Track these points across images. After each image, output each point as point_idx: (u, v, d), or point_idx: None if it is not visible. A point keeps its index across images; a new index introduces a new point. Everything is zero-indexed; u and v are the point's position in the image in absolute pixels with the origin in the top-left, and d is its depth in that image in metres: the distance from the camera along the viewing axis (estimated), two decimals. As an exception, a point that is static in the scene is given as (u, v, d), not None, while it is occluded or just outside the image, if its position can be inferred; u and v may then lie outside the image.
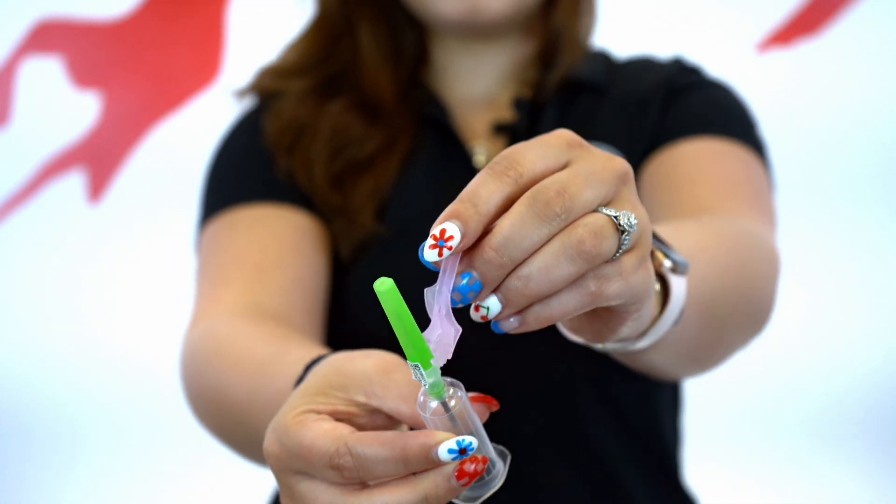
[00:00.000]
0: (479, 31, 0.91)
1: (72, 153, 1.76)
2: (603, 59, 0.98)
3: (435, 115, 0.92)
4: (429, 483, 0.46)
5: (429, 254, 0.44)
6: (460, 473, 0.46)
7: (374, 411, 0.50)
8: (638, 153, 0.90)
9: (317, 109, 0.91)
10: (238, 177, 0.91)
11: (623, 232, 0.46)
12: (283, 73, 0.94)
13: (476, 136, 0.93)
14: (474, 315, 0.47)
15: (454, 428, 0.47)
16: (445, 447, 0.45)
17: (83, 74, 1.75)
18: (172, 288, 1.66)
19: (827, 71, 1.64)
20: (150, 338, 1.69)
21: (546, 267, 0.45)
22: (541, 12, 0.93)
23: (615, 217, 0.46)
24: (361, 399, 0.49)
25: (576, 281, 0.46)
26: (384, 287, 0.44)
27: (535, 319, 0.47)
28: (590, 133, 0.91)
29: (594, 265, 0.45)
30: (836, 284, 1.62)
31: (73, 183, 1.76)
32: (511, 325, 0.47)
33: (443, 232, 0.44)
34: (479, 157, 0.92)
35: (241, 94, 0.96)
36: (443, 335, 0.46)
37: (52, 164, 1.76)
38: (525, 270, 0.45)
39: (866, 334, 1.62)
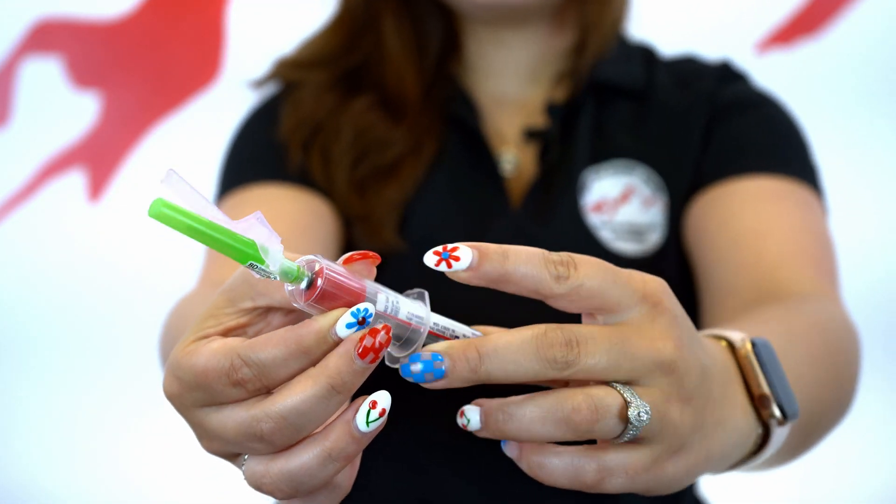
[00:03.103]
0: (512, 18, 0.88)
1: (72, 153, 1.76)
2: (642, 55, 0.94)
3: (463, 116, 0.89)
4: (330, 369, 0.40)
5: (429, 258, 0.43)
6: (363, 351, 0.40)
7: (267, 313, 0.46)
8: (680, 182, 0.86)
9: (338, 106, 0.89)
10: (253, 159, 0.89)
11: (629, 423, 0.42)
12: (302, 65, 0.92)
13: (504, 141, 0.90)
14: (458, 419, 0.44)
15: (342, 301, 0.42)
16: (343, 323, 0.40)
17: (83, 74, 1.75)
18: (172, 287, 1.66)
19: (827, 71, 1.64)
20: (150, 337, 1.69)
21: (530, 419, 0.42)
22: (573, 1, 0.90)
23: (628, 402, 0.42)
24: (248, 304, 0.45)
25: (574, 455, 0.43)
26: (155, 210, 0.38)
27: (528, 464, 0.45)
28: (626, 150, 0.88)
29: (583, 438, 0.42)
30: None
31: (73, 183, 1.76)
32: (511, 451, 0.45)
33: (453, 249, 0.42)
34: (506, 164, 0.89)
35: (258, 84, 0.94)
36: (251, 225, 0.41)
37: (52, 164, 1.76)
38: (511, 409, 0.42)
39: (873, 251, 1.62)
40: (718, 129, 0.87)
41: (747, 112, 0.87)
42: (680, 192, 0.86)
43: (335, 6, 0.94)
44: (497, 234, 0.85)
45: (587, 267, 0.42)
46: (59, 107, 1.76)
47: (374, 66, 0.91)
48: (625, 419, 0.42)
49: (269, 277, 0.41)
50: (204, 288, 0.76)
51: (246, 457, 0.44)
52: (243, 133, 0.93)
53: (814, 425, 0.61)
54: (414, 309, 0.44)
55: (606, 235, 0.85)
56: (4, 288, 1.79)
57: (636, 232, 0.86)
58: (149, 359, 1.68)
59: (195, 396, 0.43)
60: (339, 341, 0.41)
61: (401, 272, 0.84)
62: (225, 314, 0.45)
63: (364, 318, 0.41)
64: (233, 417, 0.42)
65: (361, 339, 0.41)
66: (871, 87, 1.64)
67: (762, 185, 0.82)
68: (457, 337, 0.46)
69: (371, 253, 0.44)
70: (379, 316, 0.43)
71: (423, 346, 0.44)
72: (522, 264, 0.42)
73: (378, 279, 0.91)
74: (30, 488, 1.74)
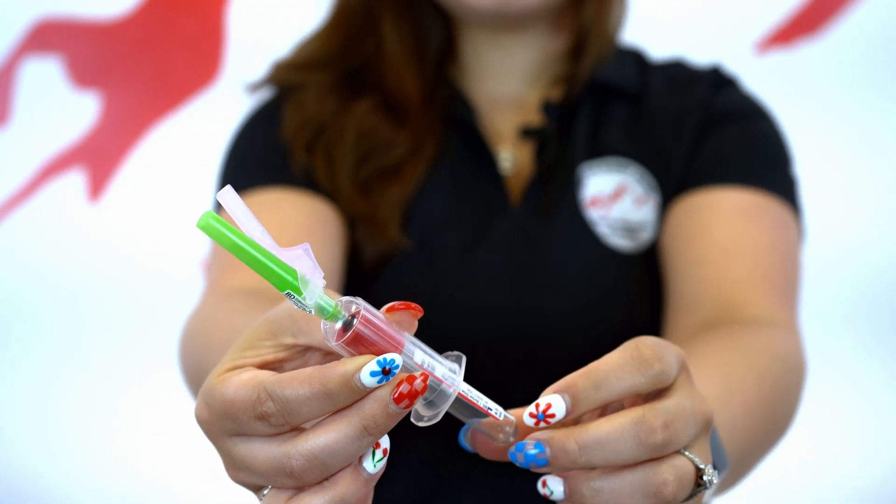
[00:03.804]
0: (510, 23, 0.88)
1: (72, 153, 1.76)
2: (635, 58, 0.94)
3: (461, 116, 0.90)
4: (365, 413, 0.41)
5: (528, 420, 0.44)
6: (399, 397, 0.41)
7: (307, 351, 0.47)
8: (669, 185, 0.87)
9: (341, 108, 0.89)
10: (256, 162, 0.89)
11: (700, 486, 0.45)
12: (300, 68, 0.92)
13: (502, 139, 0.91)
14: (539, 489, 0.46)
15: (375, 348, 0.42)
16: (367, 371, 0.40)
17: (83, 74, 1.75)
18: (172, 287, 1.66)
19: (827, 71, 1.64)
20: (151, 338, 1.69)
21: (619, 493, 0.44)
22: (570, 5, 0.91)
23: (700, 469, 0.45)
24: (290, 340, 0.46)
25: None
26: (204, 222, 0.39)
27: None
28: (623, 150, 0.88)
29: None
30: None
31: (73, 183, 1.76)
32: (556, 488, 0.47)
33: (547, 407, 0.44)
34: (503, 163, 0.89)
35: (255, 87, 0.94)
36: (297, 255, 0.41)
37: (52, 164, 1.76)
38: (598, 483, 0.45)
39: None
40: (708, 136, 0.88)
41: (736, 123, 0.88)
42: (670, 194, 0.87)
43: (329, 7, 0.94)
44: (499, 233, 0.86)
45: (661, 352, 0.45)
46: (59, 107, 1.76)
47: (374, 67, 0.91)
48: (697, 483, 0.45)
49: (304, 310, 0.42)
50: (215, 297, 0.76)
51: (265, 492, 0.44)
52: (245, 134, 0.92)
53: (744, 468, 0.65)
54: (447, 372, 0.44)
55: (603, 231, 0.86)
56: (4, 288, 1.79)
57: (629, 229, 0.86)
58: (148, 358, 1.68)
59: (224, 425, 0.43)
60: (362, 388, 0.41)
61: (405, 270, 0.85)
62: (265, 346, 0.46)
63: (389, 369, 0.41)
64: (263, 451, 0.42)
65: (398, 385, 0.41)
66: (871, 88, 1.64)
67: (737, 199, 0.83)
68: (489, 408, 0.46)
69: (414, 305, 0.44)
70: (408, 370, 0.43)
71: (451, 407, 0.45)
72: (614, 383, 0.44)
73: (382, 276, 0.91)
74: (33, 485, 1.74)
